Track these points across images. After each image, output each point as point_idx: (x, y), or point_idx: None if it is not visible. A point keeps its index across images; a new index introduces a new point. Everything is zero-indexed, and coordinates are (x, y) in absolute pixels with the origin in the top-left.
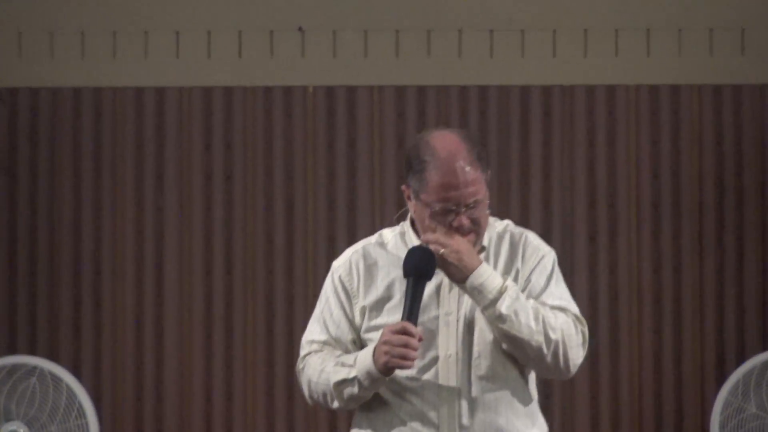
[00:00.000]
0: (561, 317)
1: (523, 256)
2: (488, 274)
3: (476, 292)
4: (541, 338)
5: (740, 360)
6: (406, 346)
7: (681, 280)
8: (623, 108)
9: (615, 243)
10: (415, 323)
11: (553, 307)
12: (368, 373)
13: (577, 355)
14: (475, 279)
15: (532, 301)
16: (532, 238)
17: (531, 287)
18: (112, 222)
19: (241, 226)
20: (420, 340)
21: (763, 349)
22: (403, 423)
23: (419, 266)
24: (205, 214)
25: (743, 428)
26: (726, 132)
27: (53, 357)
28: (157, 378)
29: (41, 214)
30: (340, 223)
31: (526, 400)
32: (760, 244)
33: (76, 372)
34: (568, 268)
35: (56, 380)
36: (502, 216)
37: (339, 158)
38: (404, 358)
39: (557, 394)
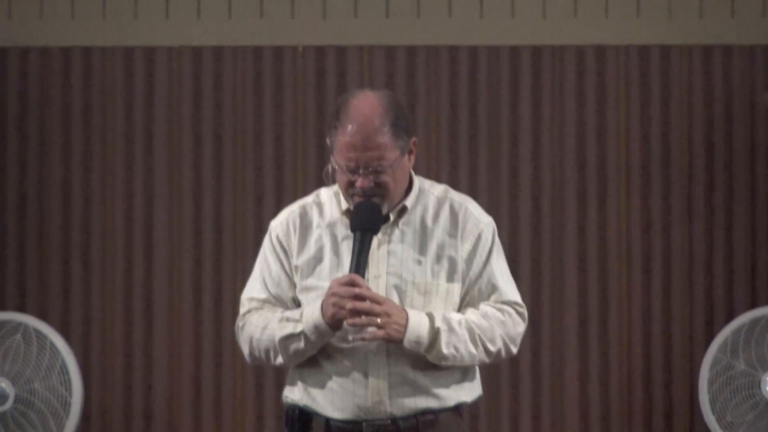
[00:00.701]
0: (496, 321)
1: (463, 230)
2: (418, 322)
3: (415, 344)
4: (483, 356)
5: (729, 319)
6: (342, 296)
7: (670, 241)
8: (613, 69)
9: (604, 205)
10: (363, 276)
11: (485, 311)
12: (315, 327)
13: (517, 342)
14: (410, 334)
15: (464, 321)
16: (473, 209)
17: (473, 269)
18: (102, 181)
19: (230, 186)
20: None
21: (752, 308)
22: (333, 380)
23: (366, 220)
24: (194, 174)
25: (732, 385)
26: (716, 93)
27: (42, 316)
28: (146, 337)
29: (30, 173)
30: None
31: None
32: (748, 205)
33: (64, 330)
34: (558, 229)
35: (41, 337)
36: (492, 177)
37: (329, 118)
38: (341, 307)
39: (546, 354)
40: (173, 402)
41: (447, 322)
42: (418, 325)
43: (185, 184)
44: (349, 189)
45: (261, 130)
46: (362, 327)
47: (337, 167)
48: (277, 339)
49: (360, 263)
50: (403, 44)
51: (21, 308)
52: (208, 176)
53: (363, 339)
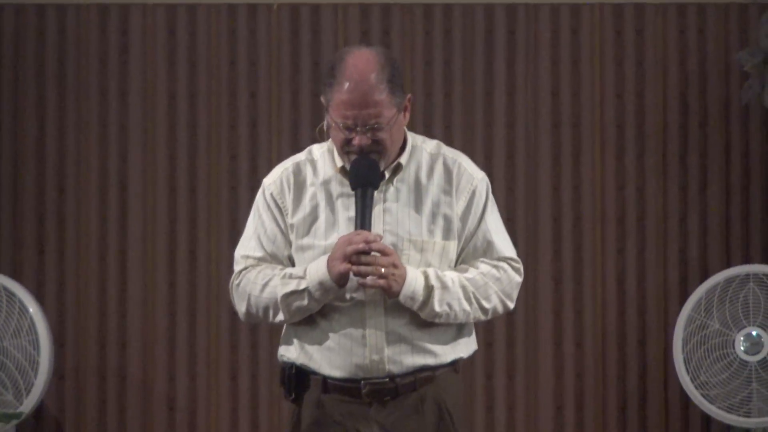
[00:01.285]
0: (491, 278)
1: (458, 186)
2: (414, 278)
3: (409, 300)
4: (478, 314)
5: (703, 278)
6: (349, 253)
7: (644, 200)
8: (587, 27)
9: (578, 163)
10: (369, 230)
11: (479, 268)
12: (320, 284)
13: (513, 297)
14: (407, 289)
15: (457, 279)
16: (466, 165)
17: (468, 226)
18: (76, 140)
19: (205, 143)
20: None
21: (726, 267)
22: (331, 339)
23: (365, 176)
24: (169, 133)
25: (706, 344)
26: (690, 51)
27: (16, 275)
28: (120, 296)
29: (5, 131)
30: (304, 141)
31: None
32: (723, 164)
33: (39, 290)
34: (531, 188)
35: (11, 296)
36: (467, 135)
37: (303, 76)
38: (347, 259)
39: (520, 313)
40: (147, 361)
41: (440, 279)
42: (414, 281)
43: (159, 140)
44: (344, 147)
45: (235, 88)
46: (366, 275)
47: (332, 125)
48: (279, 296)
49: (365, 219)
50: (377, 2)
51: None
52: (182, 133)
53: (364, 285)
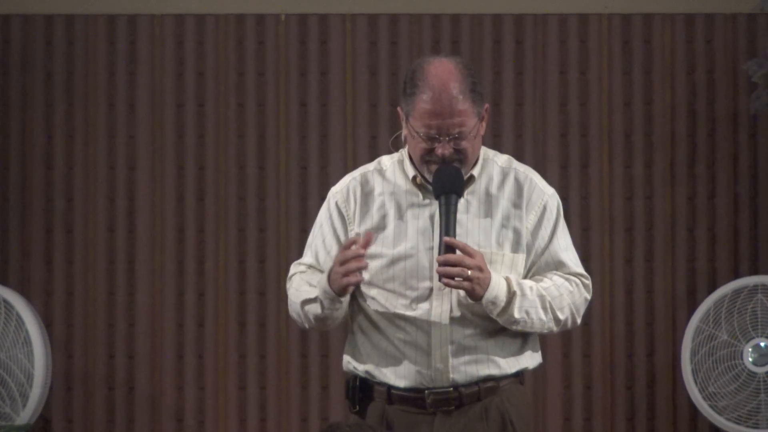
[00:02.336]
0: (565, 290)
1: (528, 201)
2: (498, 283)
3: (491, 304)
4: (552, 324)
5: (711, 289)
6: (346, 262)
7: (653, 209)
8: (595, 37)
9: (586, 172)
10: (454, 236)
11: (555, 280)
12: (325, 292)
13: (581, 313)
14: (490, 293)
15: (536, 287)
16: (537, 181)
17: (538, 242)
18: (84, 150)
19: (213, 154)
20: (366, 244)
21: (734, 278)
22: (396, 348)
23: (450, 183)
24: (177, 143)
25: (714, 355)
26: (698, 61)
27: (24, 285)
28: (129, 307)
29: (13, 142)
30: (312, 151)
31: (516, 333)
32: (731, 173)
33: (47, 300)
34: None
35: (8, 307)
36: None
37: (311, 86)
38: (347, 274)
39: None
40: (155, 372)
41: (521, 286)
42: (497, 285)
43: (167, 150)
44: (425, 156)
45: (243, 97)
46: (452, 276)
47: (413, 134)
48: (299, 302)
49: (449, 225)
50: (385, 12)
51: (3, 278)
52: (190, 142)
53: (448, 285)
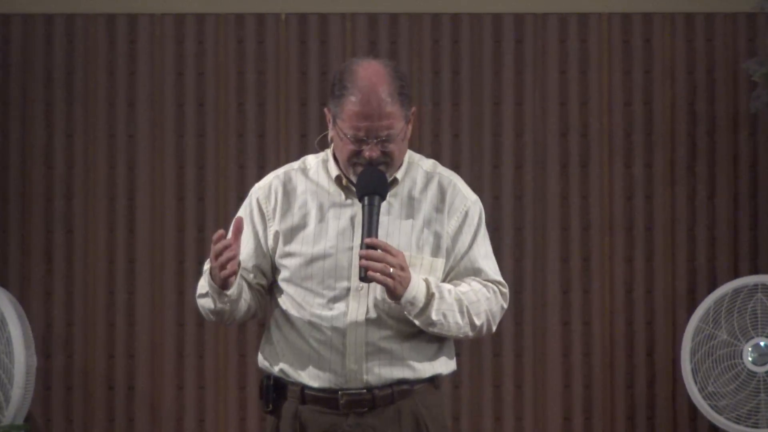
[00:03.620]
0: (482, 296)
1: (450, 206)
2: (417, 283)
3: (409, 305)
4: (467, 329)
5: (711, 288)
6: (218, 256)
7: (653, 208)
8: (595, 36)
9: (587, 172)
10: (376, 237)
11: (473, 286)
12: (211, 287)
13: (497, 321)
14: (409, 293)
15: (454, 291)
16: (461, 186)
17: (458, 247)
18: (84, 149)
19: (213, 154)
20: (228, 239)
21: (734, 277)
22: (311, 348)
23: (374, 185)
24: (177, 142)
25: (714, 355)
26: (698, 61)
27: (25, 284)
28: (129, 306)
29: (13, 141)
30: (312, 150)
31: (432, 338)
32: (731, 172)
33: (47, 299)
34: (540, 196)
35: None
36: (475, 144)
37: (311, 86)
38: (222, 267)
39: (528, 322)
40: (155, 371)
41: (439, 289)
42: (417, 286)
43: (167, 149)
44: (352, 158)
45: (243, 98)
46: (374, 270)
47: (340, 136)
48: (197, 296)
49: (372, 227)
50: (385, 11)
51: (3, 277)
52: (190, 142)
53: (373, 277)
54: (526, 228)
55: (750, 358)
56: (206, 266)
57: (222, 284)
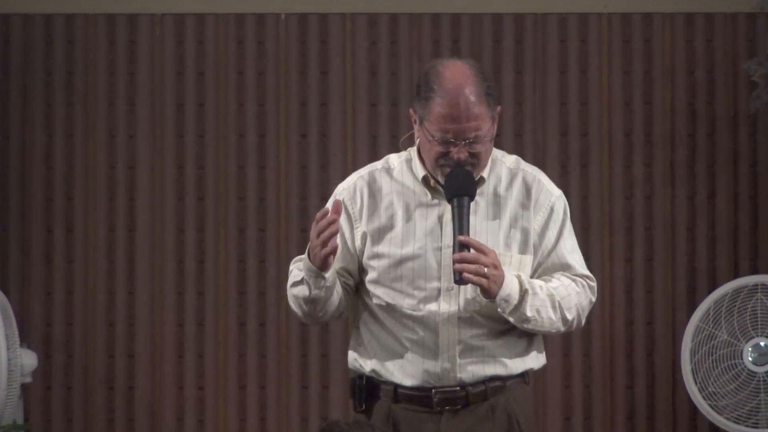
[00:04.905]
0: (572, 290)
1: (536, 202)
2: (511, 281)
3: (503, 302)
4: (560, 324)
5: (711, 288)
6: (319, 234)
7: (652, 208)
8: (595, 36)
9: (587, 172)
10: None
11: (563, 281)
12: (308, 270)
13: (586, 314)
14: (504, 291)
15: (545, 287)
16: (545, 182)
17: (545, 243)
18: (84, 149)
19: (213, 154)
20: (331, 215)
21: (734, 277)
22: (404, 347)
23: (463, 186)
24: (177, 142)
25: (714, 355)
26: (698, 61)
27: (25, 283)
28: (129, 306)
29: (13, 141)
30: (312, 150)
31: (522, 333)
32: (731, 172)
33: (47, 298)
34: None
35: None
36: None
37: (311, 86)
38: (323, 244)
39: None
40: (155, 371)
41: (531, 285)
42: (510, 283)
43: (167, 150)
44: (439, 160)
45: (243, 98)
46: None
47: (428, 138)
48: (289, 286)
49: (463, 227)
50: (385, 12)
51: (3, 276)
52: (190, 142)
53: (469, 279)
54: None
55: (750, 358)
56: (292, 265)
57: (321, 265)
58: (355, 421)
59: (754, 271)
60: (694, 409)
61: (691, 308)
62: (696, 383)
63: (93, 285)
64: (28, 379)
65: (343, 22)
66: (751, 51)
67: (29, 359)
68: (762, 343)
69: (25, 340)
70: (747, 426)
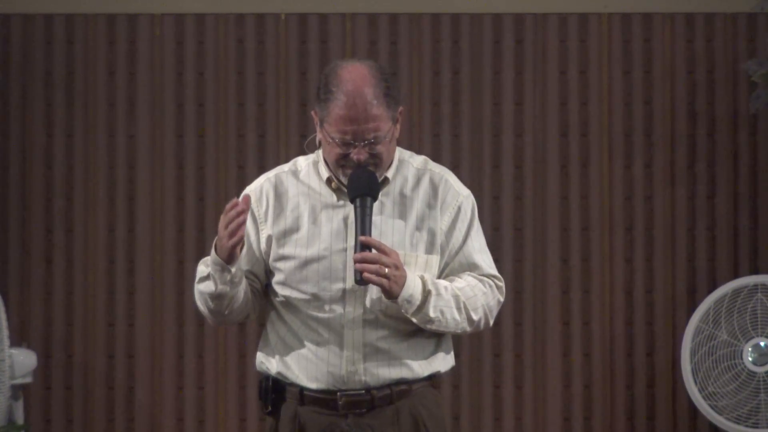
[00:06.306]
0: (479, 291)
1: (443, 202)
2: (413, 281)
3: (406, 303)
4: (465, 324)
5: (711, 288)
6: (227, 226)
7: (652, 209)
8: (595, 36)
9: (587, 172)
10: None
11: (469, 281)
12: (214, 263)
13: (494, 315)
14: (406, 292)
15: (450, 287)
16: (452, 182)
17: (452, 243)
18: (84, 149)
19: (213, 154)
20: (240, 206)
21: (734, 277)
22: (309, 350)
23: (365, 187)
24: (177, 142)
25: (714, 355)
26: (698, 61)
27: (25, 284)
28: (128, 306)
29: (13, 141)
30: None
31: (430, 335)
32: (731, 172)
33: (47, 298)
34: (540, 197)
35: None
36: (475, 144)
37: (311, 86)
38: (231, 235)
39: (528, 322)
40: (155, 371)
41: (435, 285)
42: (413, 284)
43: (167, 150)
44: (340, 161)
45: (243, 98)
46: (370, 272)
47: (328, 140)
48: (195, 283)
49: (365, 227)
50: (385, 11)
51: (3, 276)
52: (190, 142)
53: (369, 279)
54: (526, 228)
55: (750, 358)
56: (199, 266)
57: (228, 257)
58: (355, 423)
59: (754, 271)
60: (694, 410)
61: (691, 308)
62: (696, 383)
63: (93, 285)
64: (28, 379)
65: (343, 22)
66: (751, 51)
67: (29, 359)
68: (762, 343)
69: (25, 340)
70: (747, 426)
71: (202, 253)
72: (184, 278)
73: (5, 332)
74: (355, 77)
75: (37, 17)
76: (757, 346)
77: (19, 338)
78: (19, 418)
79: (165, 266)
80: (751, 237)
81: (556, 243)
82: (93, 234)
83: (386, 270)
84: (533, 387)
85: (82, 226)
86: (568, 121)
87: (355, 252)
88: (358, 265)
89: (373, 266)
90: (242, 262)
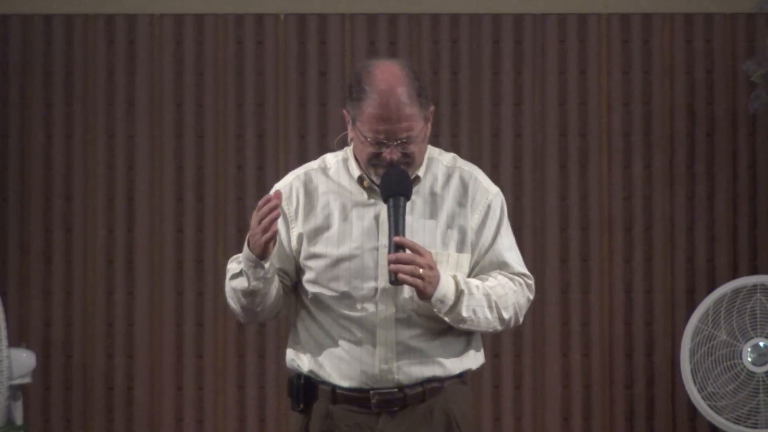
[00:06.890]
0: (509, 289)
1: (473, 200)
2: (446, 281)
3: (439, 303)
4: (497, 323)
5: (710, 288)
6: (261, 221)
7: (652, 209)
8: (594, 36)
9: (585, 172)
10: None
11: (500, 279)
12: (247, 259)
13: (524, 313)
14: (439, 292)
15: (482, 286)
16: (482, 179)
17: (482, 241)
18: (83, 149)
19: (212, 154)
20: (273, 201)
21: (733, 277)
22: (341, 348)
23: (397, 186)
24: (176, 142)
25: (713, 355)
26: (697, 61)
27: (24, 283)
28: (127, 305)
29: (12, 141)
30: (311, 151)
31: (460, 333)
32: (730, 173)
33: (46, 298)
34: (539, 197)
35: None
36: (474, 144)
37: (310, 86)
38: (264, 230)
39: (527, 323)
40: (154, 371)
41: (467, 285)
42: (446, 284)
43: (166, 150)
44: (372, 160)
45: (242, 98)
46: (404, 272)
47: (360, 138)
48: (227, 279)
49: (399, 226)
50: (384, 12)
51: (2, 276)
52: (189, 142)
53: (404, 280)
54: (525, 228)
55: (749, 359)
56: (230, 263)
57: (261, 253)
58: (356, 423)
59: (754, 271)
60: (693, 410)
61: (691, 308)
62: (695, 383)
63: (92, 285)
64: (27, 380)
65: (342, 22)
66: (750, 51)
67: (28, 359)
68: (761, 344)
69: (24, 340)
70: (746, 426)
71: (202, 253)
72: (183, 278)
73: (4, 332)
74: (388, 76)
75: (36, 17)
76: (756, 347)
77: (18, 338)
78: (18, 419)
79: (164, 266)
80: (751, 237)
81: (556, 243)
82: (92, 234)
83: (420, 270)
84: (532, 387)
85: (81, 226)
86: (567, 122)
87: (389, 252)
88: (393, 266)
89: (408, 267)
90: (273, 259)
